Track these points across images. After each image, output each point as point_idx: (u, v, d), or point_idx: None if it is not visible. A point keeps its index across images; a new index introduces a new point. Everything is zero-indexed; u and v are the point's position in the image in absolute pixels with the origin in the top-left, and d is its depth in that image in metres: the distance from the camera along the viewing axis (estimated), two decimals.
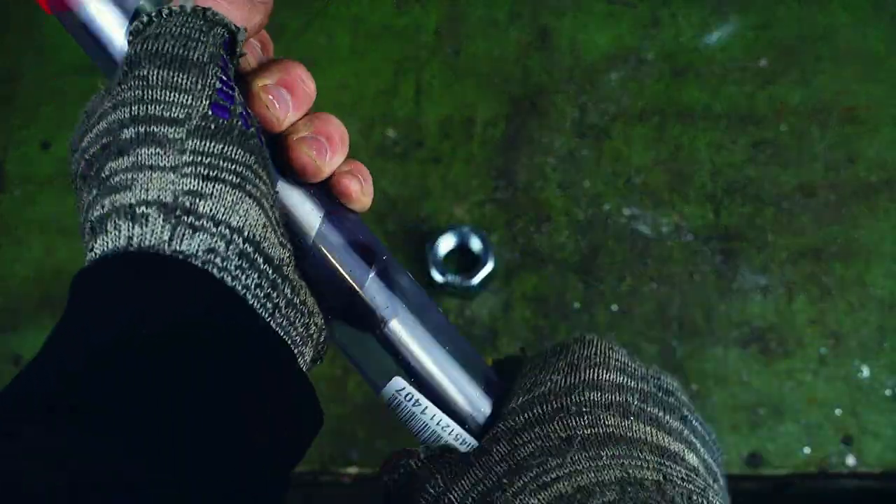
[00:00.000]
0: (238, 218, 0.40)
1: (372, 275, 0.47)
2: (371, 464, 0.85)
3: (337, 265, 0.47)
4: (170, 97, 0.41)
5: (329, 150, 0.47)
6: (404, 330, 0.47)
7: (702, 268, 0.90)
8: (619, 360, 0.47)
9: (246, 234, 0.40)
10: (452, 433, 0.47)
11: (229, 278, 0.39)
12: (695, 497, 0.41)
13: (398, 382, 0.47)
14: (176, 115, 0.41)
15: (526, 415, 0.45)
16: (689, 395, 0.49)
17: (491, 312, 0.89)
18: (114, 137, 0.41)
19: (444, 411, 0.47)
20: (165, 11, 0.44)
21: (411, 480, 0.45)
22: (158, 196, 0.39)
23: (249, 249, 0.40)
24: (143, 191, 0.40)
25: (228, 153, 0.41)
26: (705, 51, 0.97)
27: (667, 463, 0.42)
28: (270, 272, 0.41)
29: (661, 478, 0.41)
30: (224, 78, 0.43)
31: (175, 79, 0.42)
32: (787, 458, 0.84)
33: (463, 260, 0.90)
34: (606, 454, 0.42)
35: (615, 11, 0.98)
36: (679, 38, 0.97)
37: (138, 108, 0.41)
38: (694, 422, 0.47)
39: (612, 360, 0.47)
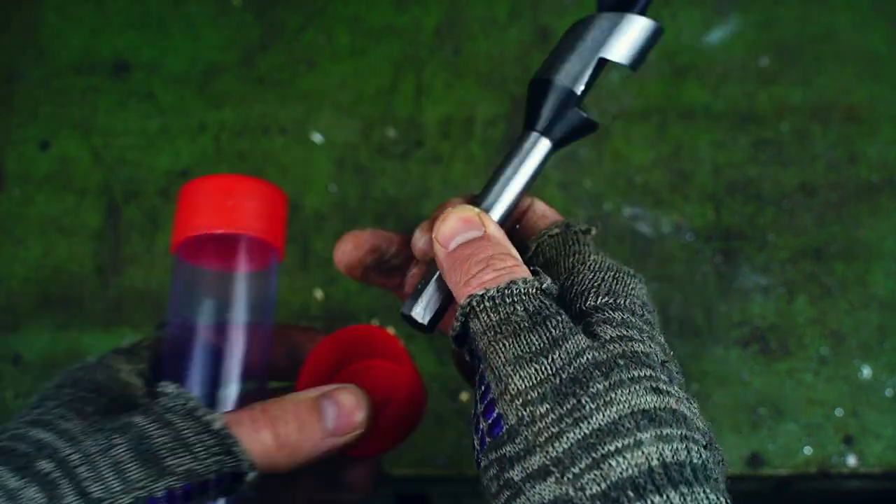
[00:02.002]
0: None
1: None
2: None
3: None
4: (110, 482, 0.41)
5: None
6: None
7: (702, 267, 0.90)
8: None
9: None
10: None
11: None
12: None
13: None
14: (98, 496, 0.41)
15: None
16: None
17: None
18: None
19: None
20: (166, 392, 0.45)
21: None
22: None
23: None
24: None
25: None
26: (706, 50, 0.96)
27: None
28: None
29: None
30: (179, 490, 0.42)
31: (128, 467, 0.42)
32: (787, 458, 0.84)
33: None
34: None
35: None
36: (680, 38, 0.97)
37: (82, 478, 0.41)
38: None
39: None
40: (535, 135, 0.52)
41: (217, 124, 0.95)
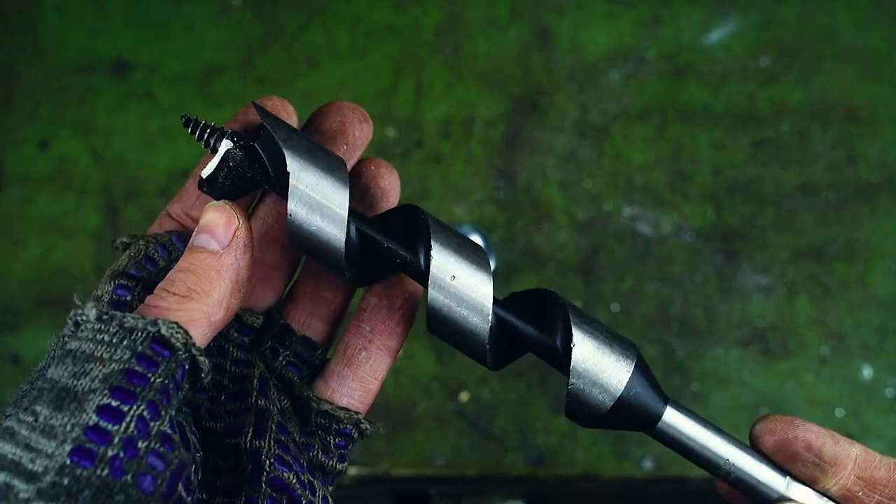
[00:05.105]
0: None
1: None
2: (371, 463, 0.85)
3: None
4: (38, 443, 0.41)
5: None
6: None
7: (703, 267, 0.90)
8: None
9: None
10: None
11: None
12: None
13: None
14: (35, 467, 0.40)
15: None
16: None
17: None
18: None
19: None
20: (78, 319, 0.43)
21: None
22: None
23: None
24: None
25: None
26: (706, 50, 0.96)
27: None
28: None
29: None
30: (111, 403, 0.41)
31: (51, 420, 0.41)
32: None
33: None
34: None
35: (616, 10, 0.97)
36: (680, 38, 0.97)
37: (9, 449, 0.41)
38: None
39: None
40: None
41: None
